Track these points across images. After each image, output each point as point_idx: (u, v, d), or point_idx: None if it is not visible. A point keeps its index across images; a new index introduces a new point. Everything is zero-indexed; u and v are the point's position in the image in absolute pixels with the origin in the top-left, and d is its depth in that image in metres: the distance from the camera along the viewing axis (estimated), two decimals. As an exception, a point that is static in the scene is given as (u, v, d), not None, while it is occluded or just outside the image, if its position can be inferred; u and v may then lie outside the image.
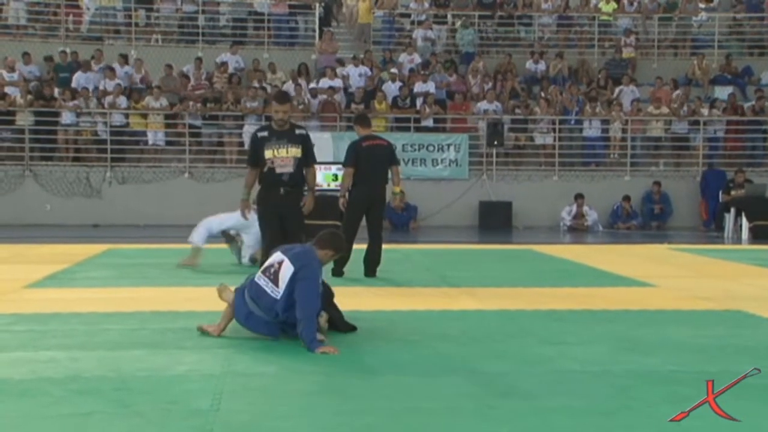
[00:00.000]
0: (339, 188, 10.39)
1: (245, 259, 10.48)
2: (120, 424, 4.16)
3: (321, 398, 4.69)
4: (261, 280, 6.04)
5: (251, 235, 10.05)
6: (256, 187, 8.28)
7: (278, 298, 5.90)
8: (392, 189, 10.07)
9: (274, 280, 5.94)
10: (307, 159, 8.12)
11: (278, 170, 7.93)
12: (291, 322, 5.87)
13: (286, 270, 5.90)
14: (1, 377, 5.02)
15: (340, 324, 6.43)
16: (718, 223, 17.95)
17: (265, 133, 8.05)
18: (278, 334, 6.04)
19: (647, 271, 10.49)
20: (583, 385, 4.99)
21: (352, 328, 6.42)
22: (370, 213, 9.67)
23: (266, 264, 6.15)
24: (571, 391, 4.83)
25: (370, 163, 9.54)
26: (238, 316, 6.15)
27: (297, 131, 8.08)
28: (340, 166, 11.72)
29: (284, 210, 8.00)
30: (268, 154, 7.93)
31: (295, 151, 7.97)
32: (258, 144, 8.02)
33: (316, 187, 8.63)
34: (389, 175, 9.82)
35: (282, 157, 7.93)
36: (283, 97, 8.46)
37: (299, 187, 8.16)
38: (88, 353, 5.65)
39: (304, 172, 8.14)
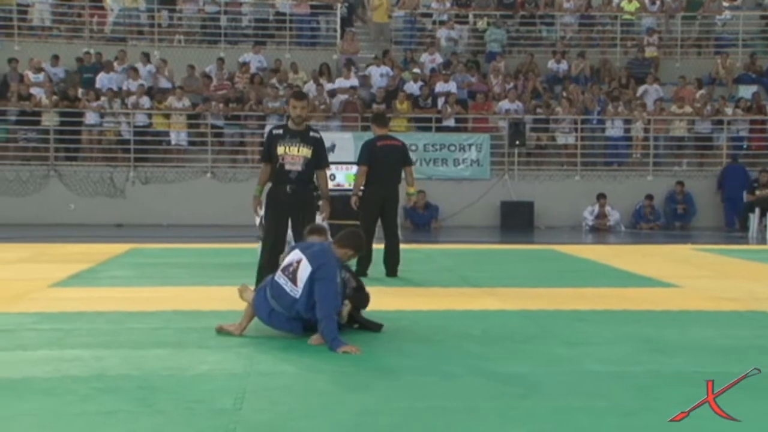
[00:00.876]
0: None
1: None
2: (144, 422, 4.20)
3: (342, 397, 4.70)
4: (281, 279, 6.06)
5: None
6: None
7: (297, 297, 5.93)
8: (406, 190, 10.06)
9: (293, 280, 5.97)
10: (319, 162, 8.21)
11: (287, 167, 8.05)
12: (314, 320, 5.90)
13: (304, 269, 5.93)
14: (27, 375, 5.08)
15: (365, 322, 6.47)
16: (743, 223, 17.80)
17: (280, 131, 8.21)
18: (301, 332, 6.07)
19: (670, 272, 10.43)
20: (605, 385, 4.98)
21: (379, 326, 6.46)
22: (385, 213, 9.68)
23: (285, 263, 6.17)
24: (593, 392, 4.82)
25: (384, 162, 9.56)
26: (260, 314, 6.18)
27: (311, 134, 8.20)
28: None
29: (291, 210, 8.06)
30: (280, 150, 8.06)
31: (306, 152, 8.08)
32: (272, 140, 8.16)
33: (338, 187, 8.68)
34: (402, 176, 9.82)
35: (293, 154, 8.05)
36: (300, 93, 8.68)
37: (306, 186, 8.24)
38: (112, 352, 5.70)
39: (315, 175, 8.23)
